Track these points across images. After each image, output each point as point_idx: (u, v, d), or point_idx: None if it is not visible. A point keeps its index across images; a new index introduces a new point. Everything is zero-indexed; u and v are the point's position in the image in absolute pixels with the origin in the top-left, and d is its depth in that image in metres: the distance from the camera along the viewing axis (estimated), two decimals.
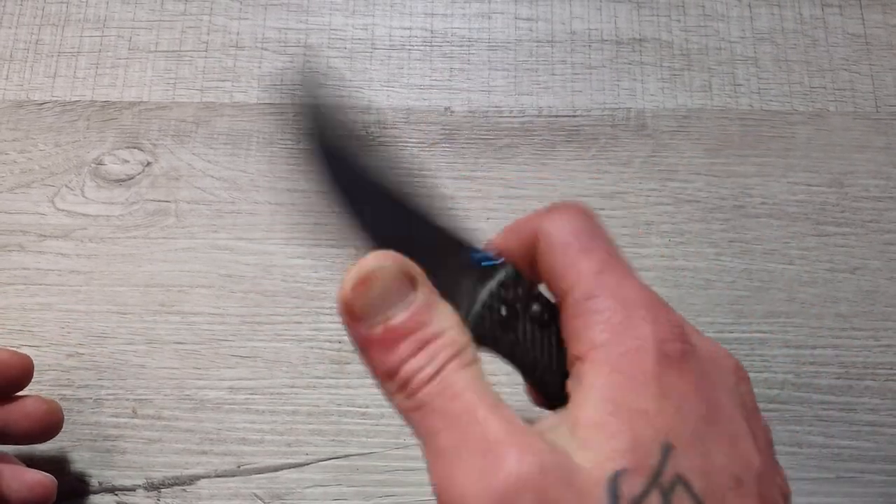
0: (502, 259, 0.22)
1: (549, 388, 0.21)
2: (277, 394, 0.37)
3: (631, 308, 0.19)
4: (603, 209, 0.40)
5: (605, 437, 0.18)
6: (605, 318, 0.19)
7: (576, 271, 0.20)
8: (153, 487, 0.36)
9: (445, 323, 0.19)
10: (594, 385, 0.18)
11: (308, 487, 0.36)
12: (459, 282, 0.21)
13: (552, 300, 0.22)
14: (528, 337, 0.21)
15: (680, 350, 0.19)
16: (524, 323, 0.21)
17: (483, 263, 0.21)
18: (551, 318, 0.21)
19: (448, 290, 0.20)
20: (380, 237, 0.22)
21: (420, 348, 0.19)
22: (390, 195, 0.23)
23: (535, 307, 0.21)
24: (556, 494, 0.17)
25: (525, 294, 0.21)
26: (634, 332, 0.18)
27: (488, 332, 0.21)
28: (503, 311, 0.21)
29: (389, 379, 0.19)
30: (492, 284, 0.21)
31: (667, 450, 0.17)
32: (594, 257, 0.20)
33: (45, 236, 0.40)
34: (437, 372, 0.19)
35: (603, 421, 0.18)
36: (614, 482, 0.17)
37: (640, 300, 0.19)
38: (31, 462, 0.36)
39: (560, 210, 0.21)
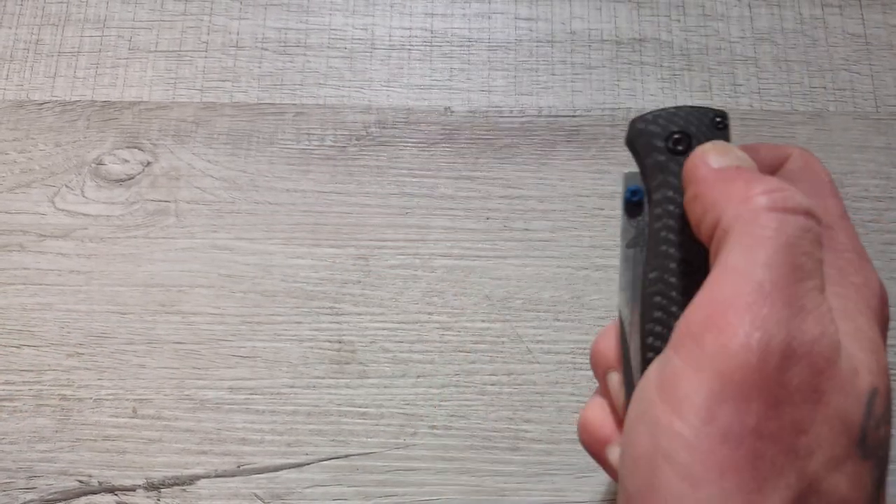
0: None
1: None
2: (277, 394, 0.37)
3: (865, 257, 0.22)
4: (603, 209, 0.40)
5: (868, 353, 0.19)
6: (854, 263, 0.21)
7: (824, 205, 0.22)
8: (153, 487, 0.36)
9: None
10: (860, 310, 0.20)
11: (308, 487, 0.36)
12: None
13: None
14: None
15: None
16: None
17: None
18: None
19: None
20: None
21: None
22: None
23: None
24: (826, 372, 0.18)
25: None
26: (869, 282, 0.21)
27: None
28: None
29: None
30: None
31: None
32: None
33: (45, 236, 0.40)
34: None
35: (869, 337, 0.19)
36: (873, 398, 0.18)
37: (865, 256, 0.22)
38: (32, 463, 0.36)
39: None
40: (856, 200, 0.40)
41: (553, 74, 0.43)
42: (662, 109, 0.22)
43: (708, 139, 0.21)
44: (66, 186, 0.41)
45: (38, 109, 0.43)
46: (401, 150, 0.42)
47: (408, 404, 0.37)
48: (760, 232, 0.18)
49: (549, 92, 0.43)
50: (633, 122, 0.22)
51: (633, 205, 0.23)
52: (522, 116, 0.42)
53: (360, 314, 0.39)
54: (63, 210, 0.40)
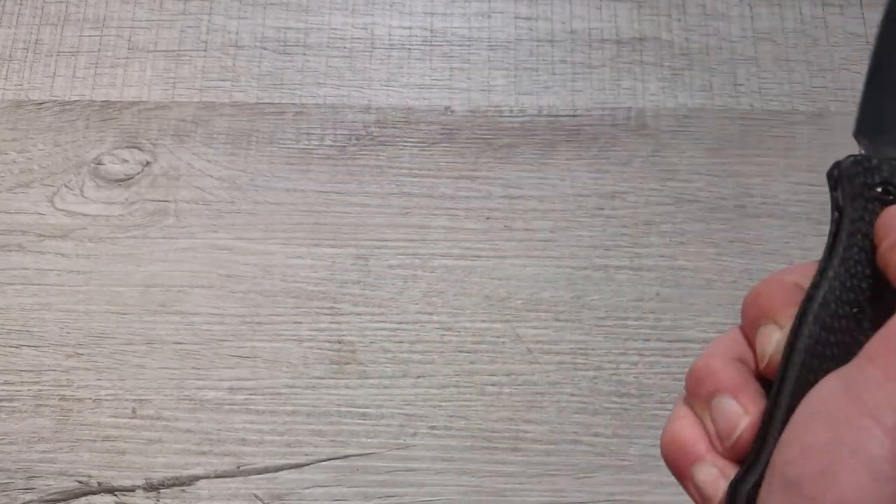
0: None
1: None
2: (277, 394, 0.37)
3: None
4: (603, 209, 0.40)
5: None
6: None
7: None
8: (152, 488, 0.36)
9: None
10: None
11: (308, 488, 0.36)
12: None
13: None
14: None
15: None
16: None
17: None
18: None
19: None
20: None
21: None
22: None
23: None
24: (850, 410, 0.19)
25: None
26: None
27: None
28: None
29: None
30: None
31: None
32: None
33: (44, 236, 0.40)
34: None
35: None
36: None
37: None
38: (32, 463, 0.36)
39: None
40: None
41: (553, 74, 0.43)
42: (877, 157, 0.23)
43: None
44: (66, 186, 0.41)
45: (38, 109, 0.43)
46: (401, 149, 0.42)
47: (408, 405, 0.37)
48: None
49: (550, 91, 0.43)
50: (847, 162, 0.23)
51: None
52: (522, 116, 0.42)
53: (359, 314, 0.38)
54: (62, 210, 0.40)
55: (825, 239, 0.39)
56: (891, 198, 0.22)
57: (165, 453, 0.36)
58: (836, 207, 0.23)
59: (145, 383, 0.37)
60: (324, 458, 0.36)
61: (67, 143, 0.42)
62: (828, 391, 0.20)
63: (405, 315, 0.38)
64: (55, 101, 0.43)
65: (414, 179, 0.41)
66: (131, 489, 0.36)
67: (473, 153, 0.41)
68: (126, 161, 0.41)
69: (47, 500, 0.35)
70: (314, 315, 0.38)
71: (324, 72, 0.43)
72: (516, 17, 0.44)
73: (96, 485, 0.36)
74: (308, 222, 0.40)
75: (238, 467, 0.36)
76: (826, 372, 0.21)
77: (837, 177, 0.23)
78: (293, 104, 0.42)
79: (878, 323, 0.20)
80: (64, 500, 0.35)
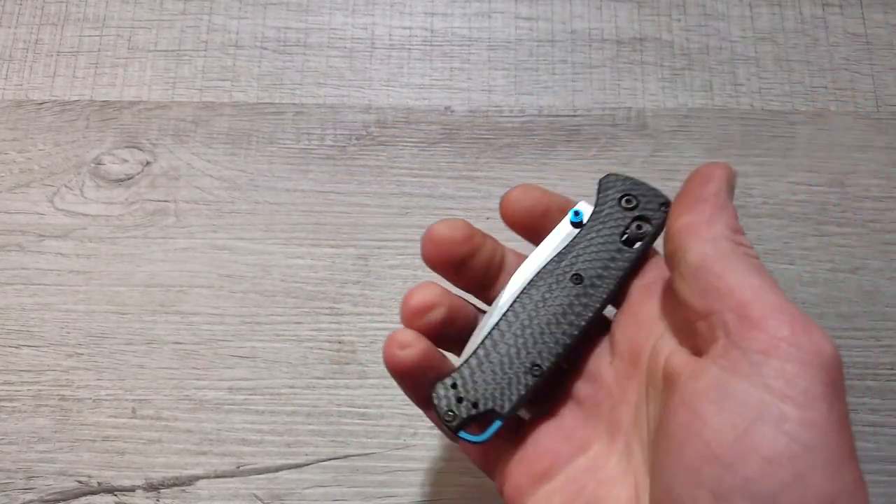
0: None
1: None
2: (277, 394, 0.37)
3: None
4: None
5: None
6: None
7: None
8: (152, 488, 0.36)
9: None
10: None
11: (308, 488, 0.36)
12: None
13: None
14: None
15: None
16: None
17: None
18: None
19: None
20: None
21: None
22: None
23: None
24: None
25: None
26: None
27: None
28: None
29: None
30: None
31: None
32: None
33: (44, 236, 0.40)
34: None
35: None
36: None
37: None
38: (32, 463, 0.36)
39: None
40: (857, 200, 0.40)
41: (553, 74, 0.43)
42: (634, 178, 0.29)
43: (652, 210, 0.28)
44: (66, 186, 0.41)
45: (38, 109, 0.43)
46: (401, 149, 0.42)
47: (408, 404, 0.37)
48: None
49: (550, 91, 0.43)
50: (609, 174, 0.29)
51: (574, 223, 0.28)
52: (523, 116, 0.42)
53: (359, 314, 0.38)
54: (62, 210, 0.40)
55: (826, 238, 0.40)
56: (629, 206, 0.28)
57: (165, 453, 0.36)
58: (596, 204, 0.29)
59: (145, 383, 0.37)
60: (324, 458, 0.36)
61: (67, 143, 0.42)
62: (715, 381, 0.21)
63: None
64: (55, 101, 0.43)
65: (414, 179, 0.41)
66: (131, 489, 0.36)
67: (473, 153, 0.41)
68: (126, 161, 0.41)
69: (47, 500, 0.35)
70: (314, 315, 0.38)
71: (324, 72, 0.43)
72: (516, 17, 0.44)
73: (96, 485, 0.36)
74: (308, 222, 0.40)
75: (238, 467, 0.36)
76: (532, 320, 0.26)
77: (600, 183, 0.29)
78: (293, 104, 0.42)
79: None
80: (64, 500, 0.35)
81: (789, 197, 0.40)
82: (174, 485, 0.36)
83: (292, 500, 0.35)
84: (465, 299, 0.29)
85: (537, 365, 0.26)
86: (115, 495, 0.36)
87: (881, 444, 0.36)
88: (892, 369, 0.37)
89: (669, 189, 0.41)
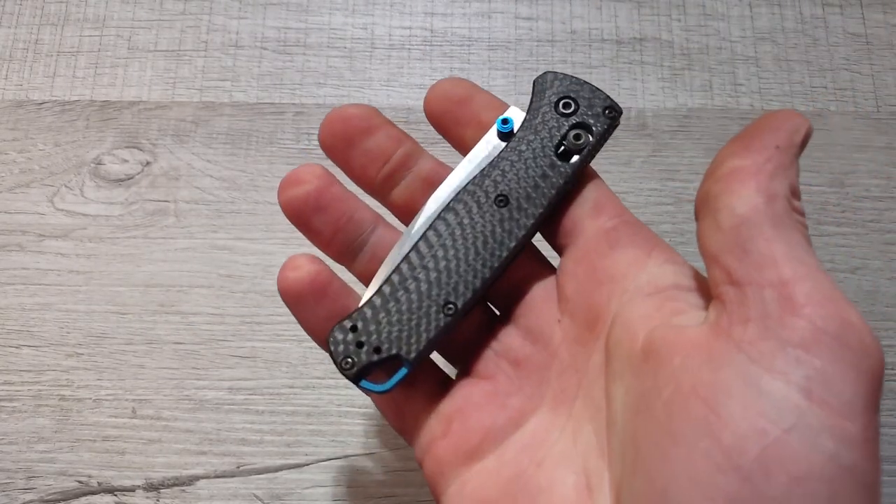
0: None
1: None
2: (277, 394, 0.37)
3: None
4: None
5: None
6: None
7: None
8: (152, 488, 0.36)
9: None
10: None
11: (308, 488, 0.36)
12: None
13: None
14: None
15: None
16: None
17: None
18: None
19: None
20: None
21: None
22: None
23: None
24: None
25: None
26: None
27: None
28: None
29: None
30: None
31: None
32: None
33: (44, 236, 0.40)
34: None
35: None
36: None
37: None
38: (32, 463, 0.36)
39: None
40: (856, 200, 0.40)
41: None
42: (575, 77, 0.24)
43: (594, 117, 0.24)
44: (66, 186, 0.41)
45: (38, 109, 0.43)
46: None
47: None
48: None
49: None
50: (546, 73, 0.25)
51: (502, 133, 0.25)
52: None
53: None
54: (62, 210, 0.40)
55: (825, 238, 0.40)
56: (565, 112, 0.24)
57: (165, 453, 0.36)
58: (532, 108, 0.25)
59: (145, 383, 0.37)
60: (324, 458, 0.36)
61: (67, 143, 0.42)
62: (742, 373, 0.17)
63: None
64: (55, 101, 0.43)
65: None
66: (131, 489, 0.36)
67: None
68: (126, 161, 0.41)
69: (47, 500, 0.35)
70: None
71: (324, 72, 0.43)
72: (516, 17, 0.44)
73: (96, 485, 0.36)
74: None
75: (238, 467, 0.36)
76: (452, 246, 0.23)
77: (534, 83, 0.25)
78: (293, 104, 0.42)
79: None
80: (64, 500, 0.35)
81: None
82: (174, 485, 0.36)
83: (292, 500, 0.35)
84: (358, 199, 0.25)
85: (451, 303, 0.23)
86: (115, 495, 0.36)
87: (881, 444, 0.36)
88: (892, 369, 0.37)
89: (669, 189, 0.41)
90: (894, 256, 0.39)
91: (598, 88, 0.24)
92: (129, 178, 0.41)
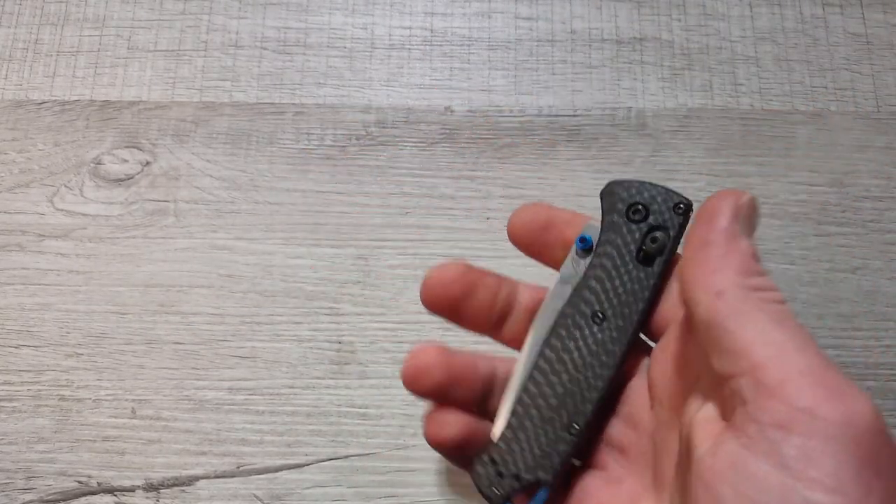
0: None
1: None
2: (277, 394, 0.37)
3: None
4: None
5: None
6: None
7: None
8: (152, 488, 0.36)
9: None
10: None
11: (308, 488, 0.36)
12: None
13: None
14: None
15: None
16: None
17: None
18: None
19: None
20: None
21: None
22: None
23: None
24: None
25: None
26: None
27: None
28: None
29: None
30: None
31: None
32: None
33: (44, 236, 0.40)
34: None
35: None
36: None
37: None
38: (31, 463, 0.36)
39: None
40: (857, 200, 0.40)
41: (553, 74, 0.43)
42: (638, 181, 0.25)
43: (666, 216, 0.25)
44: (65, 186, 0.41)
45: (37, 109, 0.43)
46: (401, 149, 0.42)
47: (408, 405, 0.37)
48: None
49: (550, 91, 0.43)
50: (610, 182, 0.26)
51: (582, 251, 0.26)
52: (522, 116, 0.42)
53: (359, 314, 0.38)
54: (62, 210, 0.40)
55: (826, 238, 0.40)
56: (636, 217, 0.25)
57: (165, 453, 0.36)
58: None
59: (145, 383, 0.37)
60: (324, 458, 0.36)
61: (67, 143, 0.42)
62: (733, 459, 0.18)
63: (405, 315, 0.38)
64: (55, 100, 0.43)
65: (414, 179, 0.41)
66: (131, 489, 0.36)
67: (473, 153, 0.41)
68: (126, 161, 0.41)
69: (47, 500, 0.35)
70: (314, 315, 0.38)
71: (324, 72, 0.43)
72: (516, 17, 0.44)
73: (96, 485, 0.36)
74: (308, 222, 0.40)
75: (238, 467, 0.36)
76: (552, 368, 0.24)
77: (601, 196, 0.26)
78: (293, 104, 0.42)
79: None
80: (64, 500, 0.35)
81: (789, 197, 0.40)
82: (174, 485, 0.36)
83: (292, 500, 0.35)
84: (472, 355, 0.27)
85: (574, 425, 0.24)
86: (115, 495, 0.36)
87: None
88: (892, 369, 0.37)
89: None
90: (894, 256, 0.39)
91: (662, 186, 0.25)
92: (128, 178, 0.41)
